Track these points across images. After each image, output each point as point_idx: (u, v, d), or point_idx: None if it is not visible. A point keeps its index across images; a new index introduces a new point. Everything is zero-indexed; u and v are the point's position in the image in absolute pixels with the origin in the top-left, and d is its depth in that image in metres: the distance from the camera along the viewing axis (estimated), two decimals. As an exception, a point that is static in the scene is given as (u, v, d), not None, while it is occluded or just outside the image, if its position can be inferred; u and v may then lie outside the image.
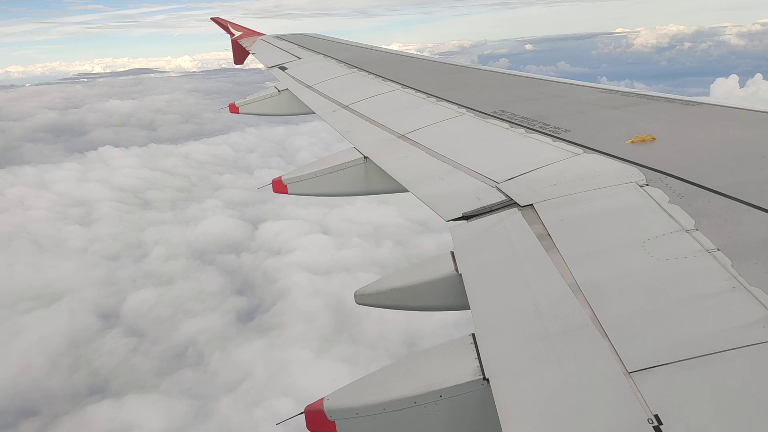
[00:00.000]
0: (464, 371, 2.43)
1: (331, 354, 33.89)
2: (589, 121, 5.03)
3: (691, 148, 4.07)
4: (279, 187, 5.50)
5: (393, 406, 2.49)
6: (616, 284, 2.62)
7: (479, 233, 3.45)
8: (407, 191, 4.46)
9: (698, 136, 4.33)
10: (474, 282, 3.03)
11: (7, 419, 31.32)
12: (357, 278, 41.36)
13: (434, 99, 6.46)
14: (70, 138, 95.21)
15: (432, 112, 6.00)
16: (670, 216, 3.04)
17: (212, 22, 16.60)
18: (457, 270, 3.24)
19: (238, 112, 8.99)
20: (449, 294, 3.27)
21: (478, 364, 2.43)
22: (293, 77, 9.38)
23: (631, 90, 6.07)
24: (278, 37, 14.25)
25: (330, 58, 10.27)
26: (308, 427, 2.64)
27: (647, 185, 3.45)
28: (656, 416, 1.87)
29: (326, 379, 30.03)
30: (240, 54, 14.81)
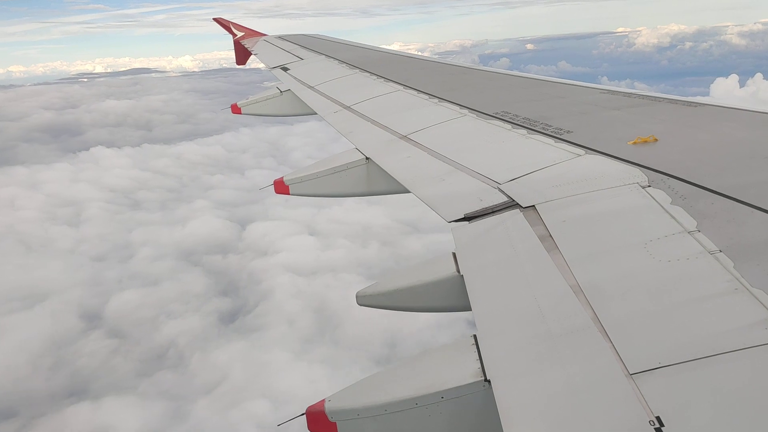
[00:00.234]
0: (466, 372, 2.43)
1: (311, 355, 33.66)
2: (591, 122, 5.02)
3: (694, 149, 4.06)
4: (281, 188, 5.50)
5: (394, 407, 2.49)
6: (618, 285, 2.61)
7: (481, 234, 3.45)
8: (409, 192, 4.46)
9: (700, 138, 4.33)
10: (476, 283, 3.03)
11: (-14, 421, 31.24)
12: (341, 279, 41.32)
13: (436, 100, 6.46)
14: (66, 138, 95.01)
15: (434, 113, 6.00)
16: (673, 217, 3.03)
17: (213, 22, 16.62)
18: (458, 271, 3.23)
19: (241, 113, 8.97)
20: (451, 295, 3.27)
21: (479, 366, 2.42)
22: (295, 78, 9.37)
23: (633, 91, 6.06)
24: (280, 37, 14.25)
25: (332, 59, 10.26)
26: (309, 428, 2.64)
27: (649, 186, 3.44)
28: (658, 418, 1.86)
29: (304, 381, 30.01)
30: (242, 54, 14.81)
